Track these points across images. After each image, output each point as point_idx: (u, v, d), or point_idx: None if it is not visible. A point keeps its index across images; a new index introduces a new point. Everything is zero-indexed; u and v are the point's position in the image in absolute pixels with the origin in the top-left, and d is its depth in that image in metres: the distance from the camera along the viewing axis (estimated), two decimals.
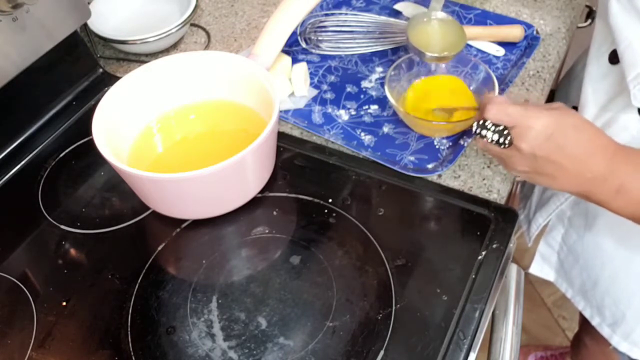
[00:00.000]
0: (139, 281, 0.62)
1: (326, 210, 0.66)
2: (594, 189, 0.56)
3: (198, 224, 0.66)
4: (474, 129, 0.60)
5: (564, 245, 0.83)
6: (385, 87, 0.73)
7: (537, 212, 0.84)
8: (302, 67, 0.80)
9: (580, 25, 0.95)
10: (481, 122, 0.60)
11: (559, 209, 0.79)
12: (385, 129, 0.75)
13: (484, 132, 0.59)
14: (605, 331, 0.80)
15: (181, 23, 0.85)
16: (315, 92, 0.81)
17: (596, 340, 0.97)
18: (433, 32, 0.75)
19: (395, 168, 0.70)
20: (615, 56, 0.65)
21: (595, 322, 0.81)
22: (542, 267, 0.88)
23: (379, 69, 0.83)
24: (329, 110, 0.78)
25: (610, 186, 0.55)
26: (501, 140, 0.58)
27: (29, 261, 0.65)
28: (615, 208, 0.57)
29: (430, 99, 0.75)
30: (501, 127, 0.58)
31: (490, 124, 0.59)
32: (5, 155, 0.74)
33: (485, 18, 0.89)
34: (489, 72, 0.74)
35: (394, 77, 0.75)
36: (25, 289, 0.62)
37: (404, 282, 0.60)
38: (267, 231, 0.65)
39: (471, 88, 0.76)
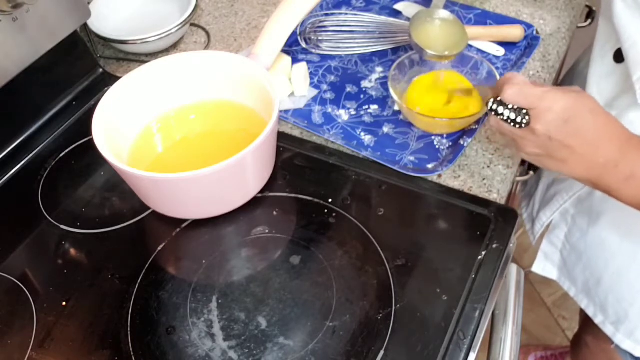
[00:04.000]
0: (139, 281, 0.62)
1: (326, 210, 0.66)
2: (604, 175, 0.56)
3: (198, 224, 0.66)
4: (489, 105, 0.59)
5: (567, 244, 0.83)
6: (389, 84, 0.73)
7: (541, 210, 0.84)
8: (302, 67, 0.80)
9: (580, 25, 0.95)
10: (498, 98, 0.58)
11: (562, 207, 0.79)
12: (385, 129, 0.75)
13: (500, 109, 0.58)
14: (608, 329, 0.80)
15: (181, 23, 0.85)
16: (315, 92, 0.81)
17: (597, 339, 0.97)
18: (435, 31, 0.75)
19: (395, 168, 0.70)
20: (620, 55, 0.65)
21: (598, 320, 0.81)
22: (544, 266, 0.88)
23: (379, 69, 0.83)
24: (329, 110, 0.78)
25: (621, 173, 0.55)
26: (518, 119, 0.57)
27: (29, 261, 0.65)
28: (623, 196, 0.57)
29: (432, 95, 0.75)
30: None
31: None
32: (5, 155, 0.74)
33: (485, 18, 0.89)
34: (491, 69, 0.74)
35: (396, 77, 0.75)
36: (25, 289, 0.62)
37: (404, 282, 0.60)
38: (267, 231, 0.65)
39: (474, 86, 0.76)
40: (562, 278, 0.86)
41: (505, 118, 0.58)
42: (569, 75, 0.92)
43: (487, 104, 0.59)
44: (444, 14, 0.75)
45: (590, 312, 0.82)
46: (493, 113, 0.59)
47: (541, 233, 0.87)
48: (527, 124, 0.57)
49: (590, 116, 0.55)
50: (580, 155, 0.56)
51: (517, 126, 0.57)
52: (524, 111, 0.57)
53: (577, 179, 0.59)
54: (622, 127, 0.56)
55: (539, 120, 0.56)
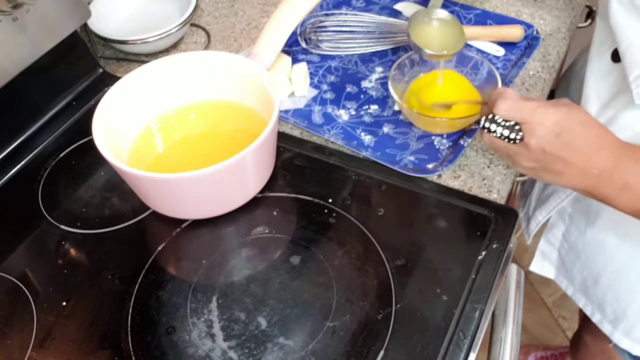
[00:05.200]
0: (139, 281, 0.62)
1: (326, 210, 0.66)
2: (599, 185, 0.57)
3: (198, 224, 0.66)
4: (481, 123, 0.59)
5: (564, 243, 0.83)
6: (389, 84, 0.73)
7: (537, 209, 0.84)
8: (302, 67, 0.80)
9: (580, 25, 0.95)
10: (490, 116, 0.59)
11: (560, 206, 0.79)
12: (385, 129, 0.75)
13: (492, 126, 0.58)
14: (606, 328, 0.80)
15: (181, 23, 0.85)
16: (315, 92, 0.81)
17: (596, 338, 0.97)
18: (433, 30, 0.75)
19: (395, 168, 0.70)
20: (617, 54, 0.65)
21: (596, 319, 0.81)
22: (542, 265, 0.88)
23: (379, 69, 0.83)
24: (329, 110, 0.78)
25: (616, 182, 0.56)
26: (512, 135, 0.58)
27: (29, 261, 0.65)
28: (619, 204, 0.57)
29: (431, 95, 0.75)
30: (512, 123, 0.58)
31: (501, 119, 0.58)
32: (5, 155, 0.74)
33: (485, 18, 0.89)
34: (491, 68, 0.74)
35: (396, 76, 0.75)
36: (25, 289, 0.62)
37: (404, 282, 0.60)
38: (267, 231, 0.65)
39: (474, 85, 0.76)
40: (560, 277, 0.86)
41: (498, 135, 0.58)
42: (567, 75, 0.92)
43: (479, 122, 0.60)
44: (442, 13, 0.75)
45: (588, 311, 0.82)
46: (486, 131, 0.59)
47: (536, 232, 0.87)
48: (521, 139, 0.57)
49: (581, 128, 0.55)
50: (574, 166, 0.56)
51: (512, 142, 0.58)
52: (517, 127, 0.57)
53: (573, 189, 0.60)
54: (614, 137, 0.56)
55: (532, 135, 0.56)
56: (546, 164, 0.57)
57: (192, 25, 0.94)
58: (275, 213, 0.67)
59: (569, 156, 0.56)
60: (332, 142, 0.74)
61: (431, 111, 0.73)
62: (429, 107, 0.73)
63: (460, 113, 0.72)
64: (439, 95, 0.74)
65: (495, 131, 0.59)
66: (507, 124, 0.58)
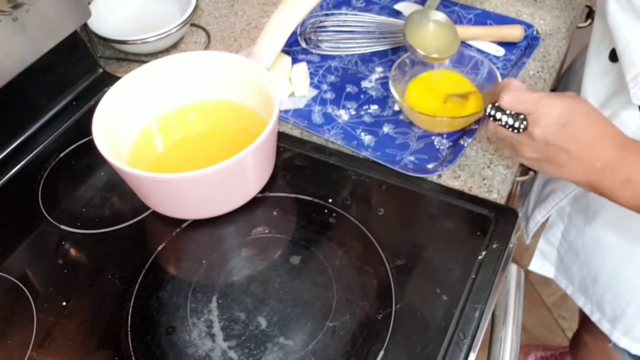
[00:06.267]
0: (139, 281, 0.62)
1: (326, 210, 0.66)
2: (601, 179, 0.57)
3: (198, 224, 0.66)
4: (487, 111, 0.59)
5: (563, 242, 0.83)
6: (390, 84, 0.73)
7: (536, 209, 0.84)
8: (302, 67, 0.80)
9: (580, 25, 0.95)
10: (496, 104, 0.59)
11: (559, 206, 0.79)
12: (385, 129, 0.75)
13: (498, 114, 0.59)
14: (605, 327, 0.80)
15: (181, 23, 0.85)
16: (315, 92, 0.81)
17: (596, 338, 0.97)
18: (428, 32, 0.75)
19: (395, 168, 0.70)
20: (615, 54, 0.65)
21: (595, 317, 0.81)
22: (542, 264, 0.88)
23: (379, 69, 0.83)
24: (329, 110, 0.78)
25: (618, 176, 0.56)
26: (516, 124, 0.58)
27: (29, 261, 0.65)
28: (620, 199, 0.57)
29: (431, 94, 0.75)
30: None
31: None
32: (5, 155, 0.74)
33: (485, 18, 0.89)
34: (492, 68, 0.74)
35: (396, 76, 0.75)
36: (25, 289, 0.62)
37: (404, 282, 0.60)
38: (267, 231, 0.65)
39: (474, 85, 0.76)
40: (559, 276, 0.87)
41: (503, 123, 0.59)
42: (566, 75, 0.92)
43: (485, 109, 0.60)
44: (438, 16, 0.75)
45: (587, 310, 0.82)
46: (491, 119, 0.59)
47: (535, 232, 0.88)
48: (525, 128, 0.57)
49: (586, 120, 0.56)
50: (577, 159, 0.56)
51: (515, 131, 0.58)
52: (522, 116, 0.58)
53: (575, 183, 0.60)
54: (618, 130, 0.56)
55: (537, 125, 0.56)
56: (549, 155, 0.57)
57: (192, 25, 0.94)
58: (275, 213, 0.67)
59: (572, 147, 0.56)
60: (332, 142, 0.74)
61: (432, 110, 0.73)
62: (429, 106, 0.73)
63: (460, 112, 0.72)
64: (439, 95, 0.74)
65: (500, 119, 0.59)
66: (512, 112, 0.58)
